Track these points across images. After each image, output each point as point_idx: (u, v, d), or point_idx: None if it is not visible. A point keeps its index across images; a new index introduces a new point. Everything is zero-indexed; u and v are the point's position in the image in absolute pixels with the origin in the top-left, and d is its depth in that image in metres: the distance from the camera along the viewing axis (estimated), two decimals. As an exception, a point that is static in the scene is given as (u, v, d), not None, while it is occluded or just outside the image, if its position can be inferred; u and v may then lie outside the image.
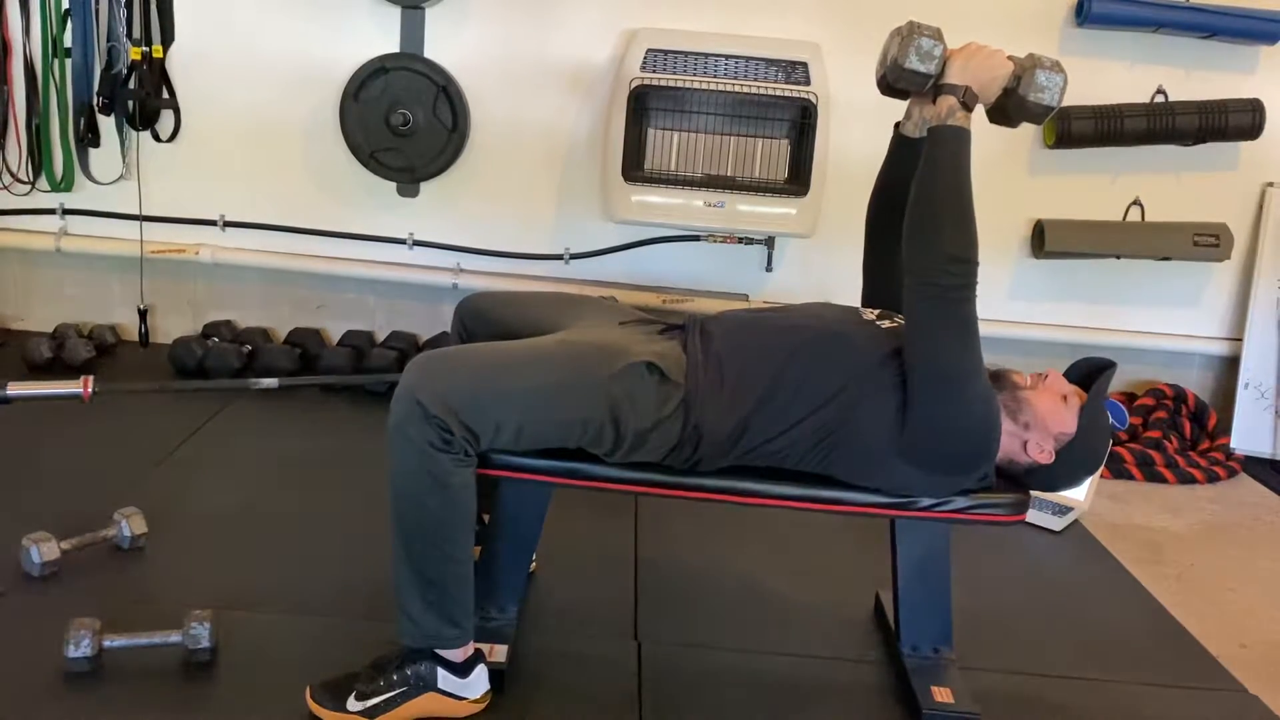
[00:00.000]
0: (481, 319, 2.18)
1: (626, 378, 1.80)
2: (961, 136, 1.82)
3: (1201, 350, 3.88)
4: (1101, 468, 2.57)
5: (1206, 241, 3.61)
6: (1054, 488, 2.00)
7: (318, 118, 3.57)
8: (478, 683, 1.85)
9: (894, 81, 1.91)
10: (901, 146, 2.06)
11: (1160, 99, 3.58)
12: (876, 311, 2.00)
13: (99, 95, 3.49)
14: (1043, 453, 1.89)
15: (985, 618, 2.37)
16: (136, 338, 3.77)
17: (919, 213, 1.80)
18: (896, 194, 1.94)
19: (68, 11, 3.42)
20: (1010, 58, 1.91)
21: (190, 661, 1.91)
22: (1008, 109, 1.93)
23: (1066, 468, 1.92)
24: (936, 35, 1.85)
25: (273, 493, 2.69)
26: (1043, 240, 3.65)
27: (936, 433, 1.81)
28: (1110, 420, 1.92)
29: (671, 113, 3.38)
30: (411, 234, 3.71)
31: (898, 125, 2.08)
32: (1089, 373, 1.98)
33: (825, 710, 2.01)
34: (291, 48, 3.55)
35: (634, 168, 3.38)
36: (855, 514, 1.93)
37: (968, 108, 1.84)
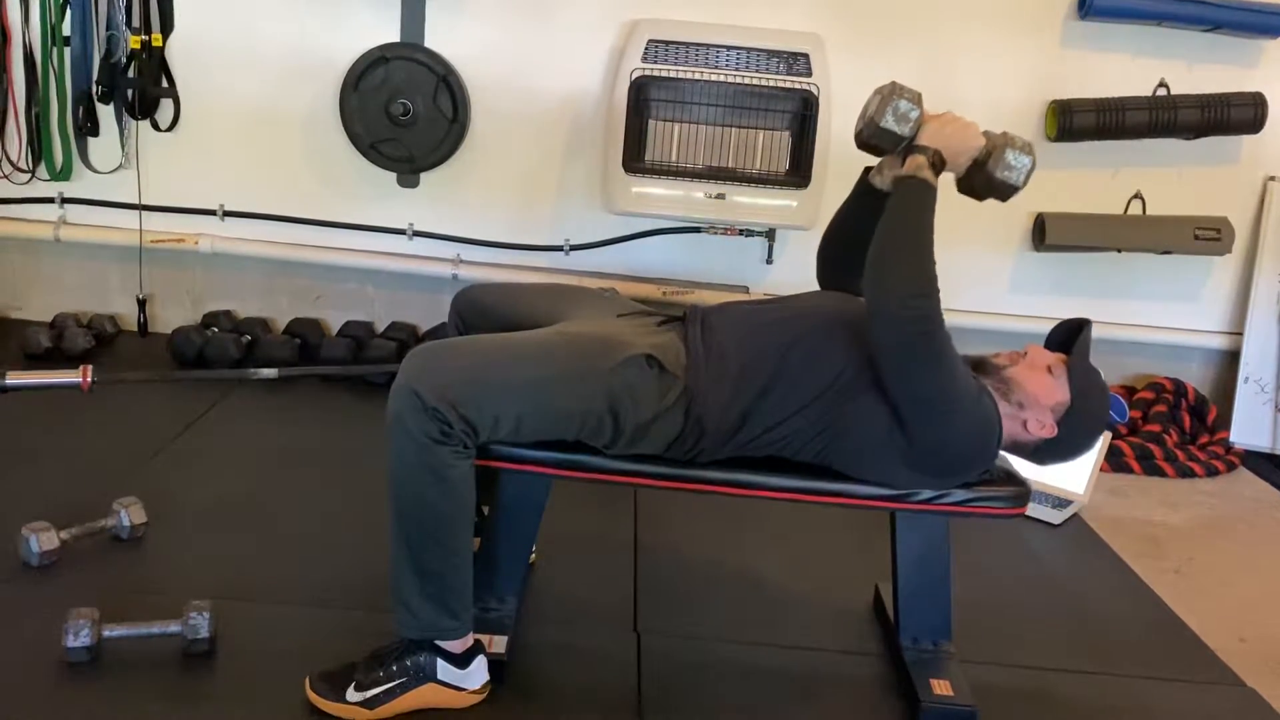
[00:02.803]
0: (478, 311, 2.18)
1: (626, 370, 1.80)
2: (926, 189, 1.84)
3: (1202, 344, 3.88)
4: (1102, 440, 2.58)
5: (1208, 235, 3.60)
6: (1068, 457, 1.99)
7: (317, 107, 3.56)
8: (477, 673, 1.85)
9: (869, 138, 1.94)
10: (868, 192, 2.06)
11: (1162, 92, 3.57)
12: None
13: (98, 84, 3.48)
14: (1044, 428, 1.89)
15: (984, 611, 2.37)
16: (135, 327, 3.76)
17: (879, 257, 1.80)
18: (852, 232, 2.00)
19: (67, -1, 3.41)
20: (985, 133, 1.94)
21: (189, 652, 1.90)
22: (975, 183, 1.96)
23: (1073, 435, 1.92)
24: (915, 100, 1.88)
25: (272, 483, 2.68)
26: (1043, 233, 3.64)
27: (934, 449, 1.83)
28: (1100, 376, 1.93)
29: (672, 104, 3.37)
30: (411, 224, 3.70)
31: (869, 170, 2.09)
32: (1067, 336, 1.98)
33: (824, 702, 2.01)
34: (291, 37, 3.54)
35: (634, 159, 3.37)
36: (855, 506, 1.93)
37: (935, 170, 1.86)
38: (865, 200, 2.04)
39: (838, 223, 2.15)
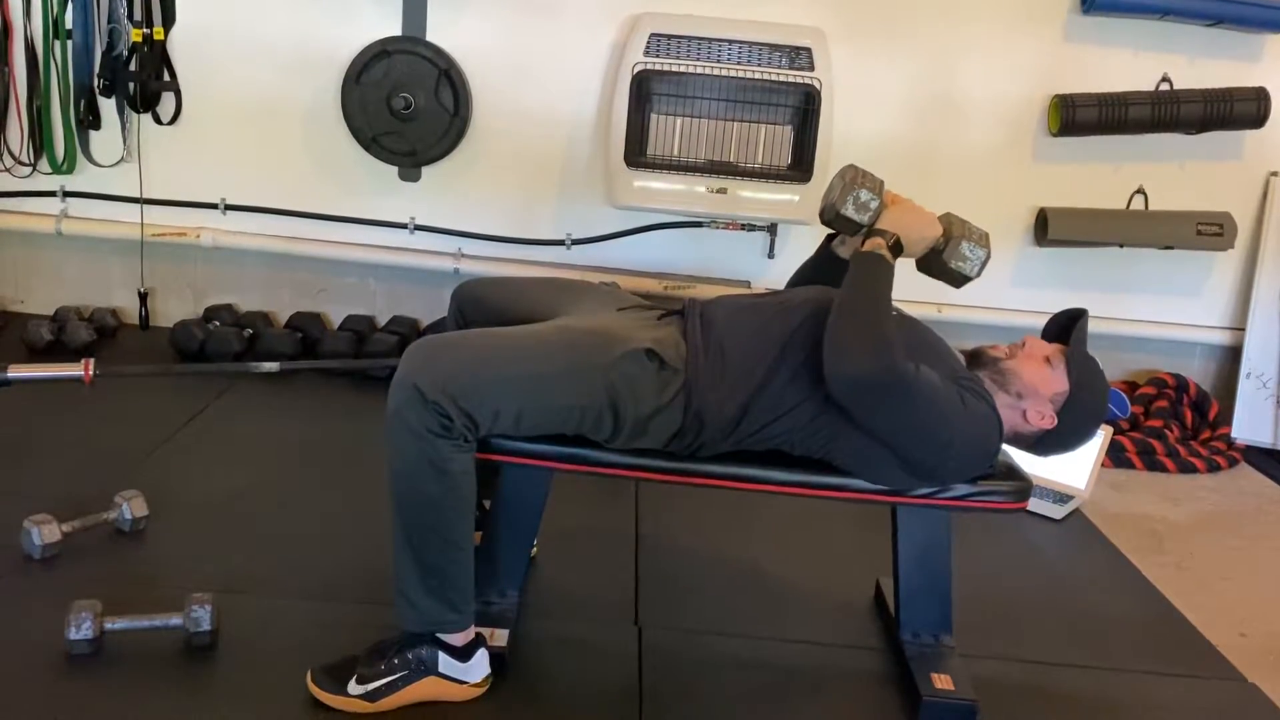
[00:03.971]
0: (478, 305, 2.18)
1: (625, 364, 1.80)
2: (882, 263, 1.86)
3: (1203, 340, 3.88)
4: (1104, 435, 2.59)
5: (1210, 231, 3.60)
6: (1069, 448, 1.99)
7: (319, 101, 3.56)
8: (479, 667, 1.85)
9: (829, 222, 1.99)
10: (830, 258, 2.10)
11: (1165, 87, 3.57)
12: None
13: (100, 77, 3.48)
14: (1044, 418, 1.90)
15: (985, 605, 2.37)
16: (137, 321, 3.76)
17: (836, 323, 1.79)
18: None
19: (68, -8, 3.41)
20: (945, 216, 1.99)
21: (191, 644, 1.91)
22: (932, 268, 2.01)
23: (1073, 425, 1.93)
24: (875, 189, 1.93)
25: (274, 476, 2.69)
26: (1045, 228, 3.64)
27: (934, 467, 1.85)
28: (1098, 365, 1.95)
29: (674, 98, 3.37)
30: (413, 218, 3.70)
31: (831, 237, 2.12)
32: (1064, 326, 1.99)
33: (825, 696, 2.01)
34: (293, 30, 3.53)
35: (636, 153, 3.37)
36: (856, 500, 1.94)
37: (893, 253, 1.89)
38: (827, 265, 2.09)
39: (799, 280, 2.19)
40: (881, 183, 1.96)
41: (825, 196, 2.01)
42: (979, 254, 1.94)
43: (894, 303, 2.00)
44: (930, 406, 1.77)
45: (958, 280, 1.97)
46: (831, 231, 2.10)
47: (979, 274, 1.96)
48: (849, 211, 1.92)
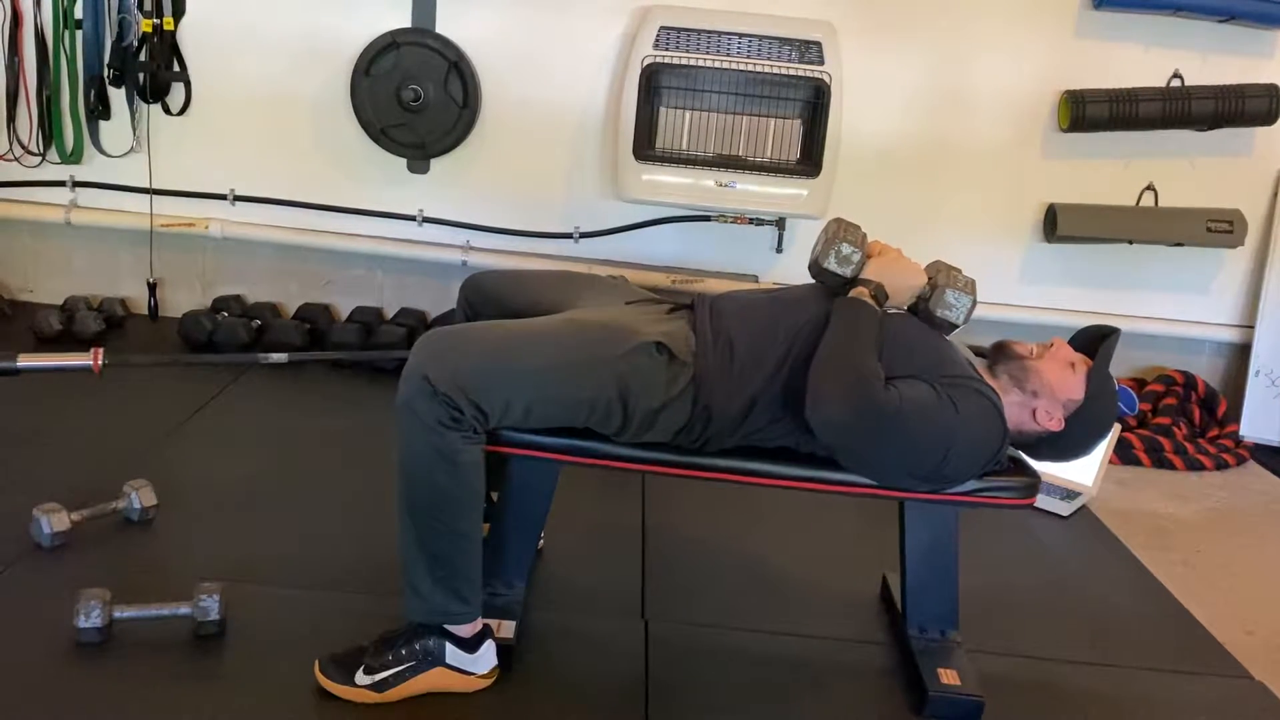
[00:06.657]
0: (487, 298, 2.18)
1: (635, 357, 1.80)
2: (864, 309, 1.86)
3: (1212, 337, 3.87)
4: (1110, 434, 2.59)
5: (1220, 228, 3.59)
6: (1066, 456, 2.00)
7: (328, 92, 3.56)
8: (486, 658, 1.85)
9: (815, 275, 2.00)
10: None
11: (1176, 83, 3.55)
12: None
13: (110, 67, 3.49)
14: (1052, 420, 1.90)
15: (992, 601, 2.37)
16: (146, 311, 3.77)
17: (816, 374, 1.78)
18: None
19: (79, -18, 3.41)
20: (933, 264, 2.00)
21: (199, 634, 1.91)
22: (919, 314, 2.01)
23: (1077, 433, 1.93)
24: (858, 242, 1.95)
25: (281, 467, 2.69)
26: (1055, 224, 3.63)
27: (935, 475, 1.85)
28: (1115, 385, 1.95)
29: (683, 91, 3.36)
30: (421, 210, 3.70)
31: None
32: (1093, 340, 1.99)
33: (831, 691, 2.02)
34: (303, 22, 3.54)
35: (645, 146, 3.37)
36: (863, 495, 1.93)
37: (877, 301, 1.89)
38: None
39: None
40: (864, 235, 1.98)
41: (812, 250, 2.02)
42: (964, 301, 1.95)
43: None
44: (922, 428, 1.77)
45: (944, 328, 1.98)
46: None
47: (965, 321, 1.97)
48: (831, 265, 1.94)
